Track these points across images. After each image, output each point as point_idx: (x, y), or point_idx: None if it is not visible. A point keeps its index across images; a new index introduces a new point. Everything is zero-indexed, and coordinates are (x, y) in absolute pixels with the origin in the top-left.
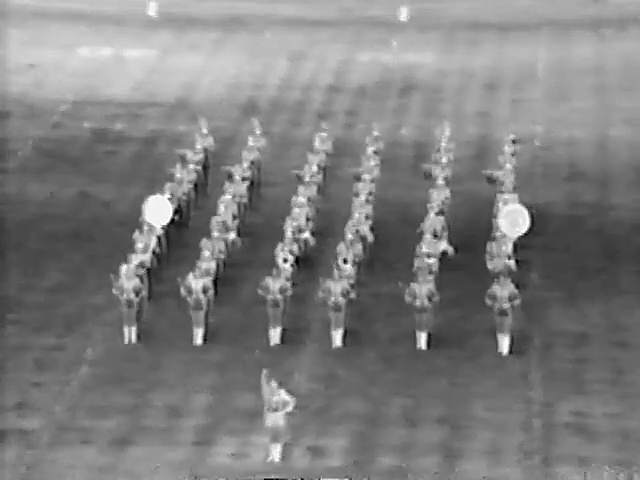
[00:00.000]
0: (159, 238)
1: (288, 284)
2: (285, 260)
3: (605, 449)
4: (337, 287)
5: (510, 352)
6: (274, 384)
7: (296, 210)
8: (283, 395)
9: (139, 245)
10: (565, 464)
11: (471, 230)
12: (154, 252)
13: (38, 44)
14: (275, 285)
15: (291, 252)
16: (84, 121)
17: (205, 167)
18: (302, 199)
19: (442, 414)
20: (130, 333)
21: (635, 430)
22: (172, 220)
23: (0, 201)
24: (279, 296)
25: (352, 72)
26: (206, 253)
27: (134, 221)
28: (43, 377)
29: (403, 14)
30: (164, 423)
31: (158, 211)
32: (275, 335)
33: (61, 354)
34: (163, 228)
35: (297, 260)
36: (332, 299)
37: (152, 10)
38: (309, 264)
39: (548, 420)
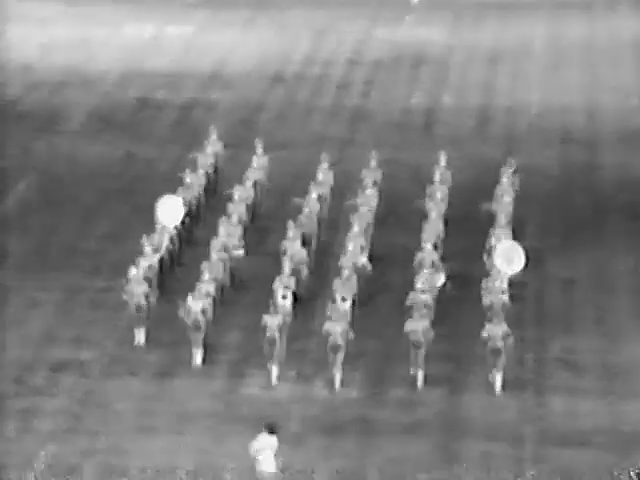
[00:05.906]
0: (171, 237)
1: (286, 321)
2: (284, 297)
3: (590, 380)
4: (337, 327)
5: (503, 389)
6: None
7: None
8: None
9: (147, 249)
10: (555, 394)
11: (474, 189)
12: (168, 250)
13: (90, 23)
14: (273, 322)
15: (288, 287)
16: (130, 90)
17: (215, 171)
18: (298, 242)
19: (447, 351)
20: (139, 334)
21: (615, 364)
22: (183, 222)
23: (58, 160)
24: (277, 333)
25: (369, 47)
26: (206, 275)
27: (174, 177)
28: (96, 315)
29: None
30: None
31: (170, 212)
32: (273, 374)
33: (111, 295)
34: (175, 228)
35: (295, 296)
36: (331, 340)
37: None
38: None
39: (540, 356)
